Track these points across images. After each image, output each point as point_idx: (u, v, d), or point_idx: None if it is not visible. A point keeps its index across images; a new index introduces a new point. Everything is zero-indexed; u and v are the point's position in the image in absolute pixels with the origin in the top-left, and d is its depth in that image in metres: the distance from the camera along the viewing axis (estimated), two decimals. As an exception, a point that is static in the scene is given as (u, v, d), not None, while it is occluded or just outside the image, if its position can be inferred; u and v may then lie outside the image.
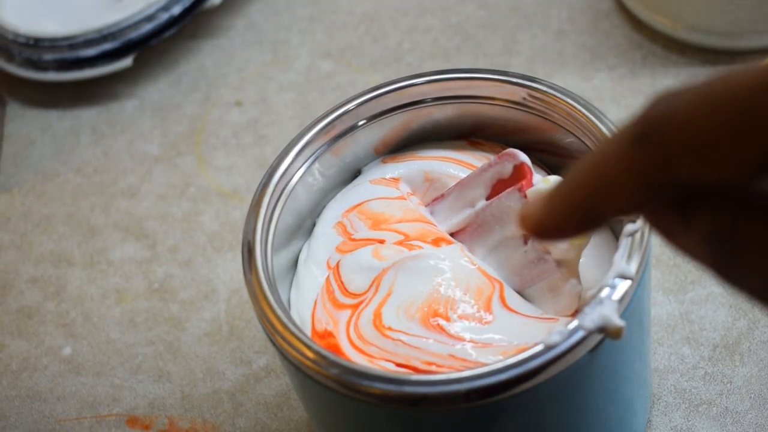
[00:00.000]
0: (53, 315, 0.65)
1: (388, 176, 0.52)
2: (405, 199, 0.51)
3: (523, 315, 0.46)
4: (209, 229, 0.67)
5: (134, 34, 0.74)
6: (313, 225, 0.52)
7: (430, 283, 0.46)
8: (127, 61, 0.74)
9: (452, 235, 0.50)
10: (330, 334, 0.47)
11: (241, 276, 0.47)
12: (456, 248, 0.48)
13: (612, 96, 0.69)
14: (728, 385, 0.55)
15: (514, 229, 0.47)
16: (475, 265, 0.47)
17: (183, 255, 0.66)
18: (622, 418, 0.49)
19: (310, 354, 0.42)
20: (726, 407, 0.55)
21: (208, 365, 0.61)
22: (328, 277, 0.49)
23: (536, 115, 0.49)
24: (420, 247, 0.48)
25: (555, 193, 0.31)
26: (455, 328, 0.45)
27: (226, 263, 0.65)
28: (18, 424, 0.60)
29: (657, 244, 0.61)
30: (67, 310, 0.65)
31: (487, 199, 0.49)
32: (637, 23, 0.72)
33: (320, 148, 0.50)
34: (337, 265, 0.49)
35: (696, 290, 0.59)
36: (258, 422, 0.58)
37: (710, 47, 0.69)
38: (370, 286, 0.47)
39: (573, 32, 0.73)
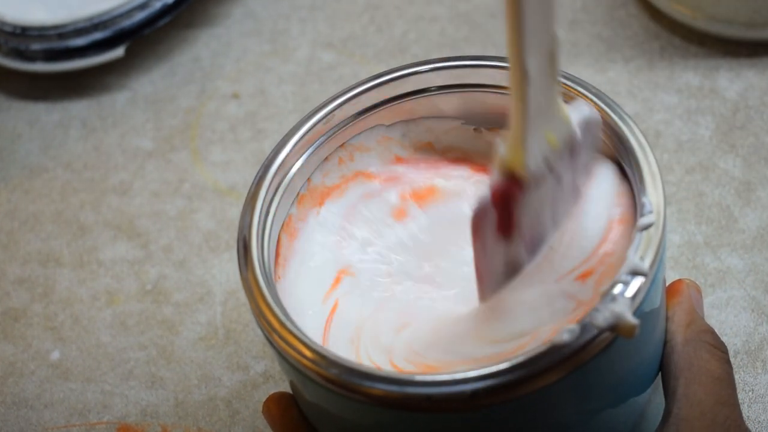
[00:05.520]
0: (41, 317, 0.65)
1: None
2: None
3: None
4: (205, 228, 0.67)
5: (126, 23, 0.74)
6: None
7: None
8: (118, 51, 0.75)
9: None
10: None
11: (238, 277, 0.47)
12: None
13: (628, 89, 0.69)
14: (750, 393, 0.56)
15: None
16: None
17: (177, 255, 0.66)
18: (634, 423, 0.49)
19: (309, 353, 0.43)
20: (747, 417, 0.55)
21: (204, 371, 0.61)
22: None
23: None
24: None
25: None
26: None
27: (222, 263, 0.65)
28: None
29: (674, 244, 0.61)
30: (56, 312, 0.65)
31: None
32: (654, 13, 0.73)
33: (320, 138, 0.51)
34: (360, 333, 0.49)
35: (716, 293, 0.59)
36: (255, 431, 0.58)
37: (731, 38, 0.69)
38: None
39: (587, 22, 0.73)
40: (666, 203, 0.45)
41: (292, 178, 0.50)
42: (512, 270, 0.46)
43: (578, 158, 0.46)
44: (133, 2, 0.74)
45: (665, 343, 0.47)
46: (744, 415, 0.54)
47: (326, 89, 0.73)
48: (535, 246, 0.46)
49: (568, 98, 0.48)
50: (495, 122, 0.52)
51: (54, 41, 0.74)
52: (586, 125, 0.46)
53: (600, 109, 0.48)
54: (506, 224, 0.44)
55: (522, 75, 0.41)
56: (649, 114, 0.67)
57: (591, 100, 0.48)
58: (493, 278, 0.45)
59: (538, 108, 0.42)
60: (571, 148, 0.45)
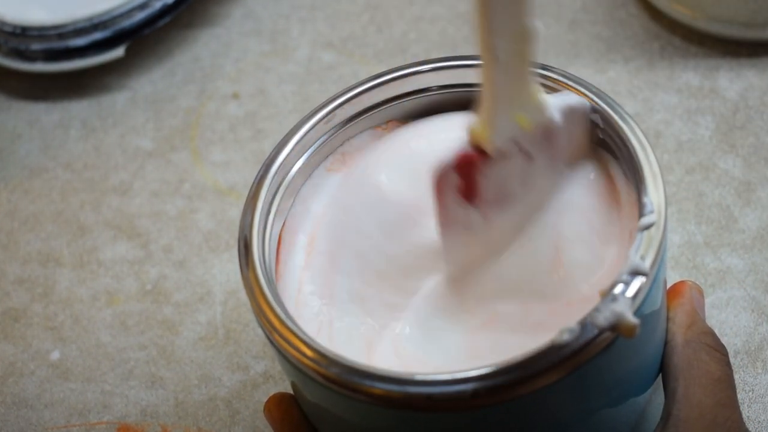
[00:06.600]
0: (41, 317, 0.65)
1: None
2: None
3: None
4: (205, 228, 0.68)
5: (126, 23, 0.74)
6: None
7: None
8: (119, 51, 0.75)
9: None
10: None
11: (238, 277, 0.47)
12: None
13: (628, 89, 0.69)
14: (750, 393, 0.56)
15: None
16: None
17: (177, 255, 0.66)
18: (635, 423, 0.49)
19: (309, 353, 0.43)
20: (747, 417, 0.55)
21: (204, 371, 0.61)
22: None
23: None
24: None
25: None
26: None
27: (222, 263, 0.65)
28: None
29: (674, 244, 0.61)
30: (56, 312, 0.65)
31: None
32: (654, 13, 0.73)
33: (320, 138, 0.51)
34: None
35: (716, 293, 0.59)
36: (255, 431, 0.58)
37: (731, 38, 0.70)
38: None
39: (587, 22, 0.74)
40: (667, 203, 0.45)
41: (293, 178, 0.50)
42: (478, 236, 0.48)
43: (557, 143, 0.47)
44: (133, 2, 0.74)
45: (665, 343, 0.48)
46: (744, 415, 0.55)
47: (326, 89, 0.73)
48: (500, 214, 0.48)
49: (562, 87, 0.49)
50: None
51: (54, 41, 0.74)
52: (571, 113, 0.47)
53: (599, 107, 0.48)
54: (468, 189, 0.46)
55: (489, 55, 0.43)
56: (649, 114, 0.68)
57: (591, 99, 0.48)
58: (454, 239, 0.47)
59: (507, 90, 0.44)
60: (547, 132, 0.47)
